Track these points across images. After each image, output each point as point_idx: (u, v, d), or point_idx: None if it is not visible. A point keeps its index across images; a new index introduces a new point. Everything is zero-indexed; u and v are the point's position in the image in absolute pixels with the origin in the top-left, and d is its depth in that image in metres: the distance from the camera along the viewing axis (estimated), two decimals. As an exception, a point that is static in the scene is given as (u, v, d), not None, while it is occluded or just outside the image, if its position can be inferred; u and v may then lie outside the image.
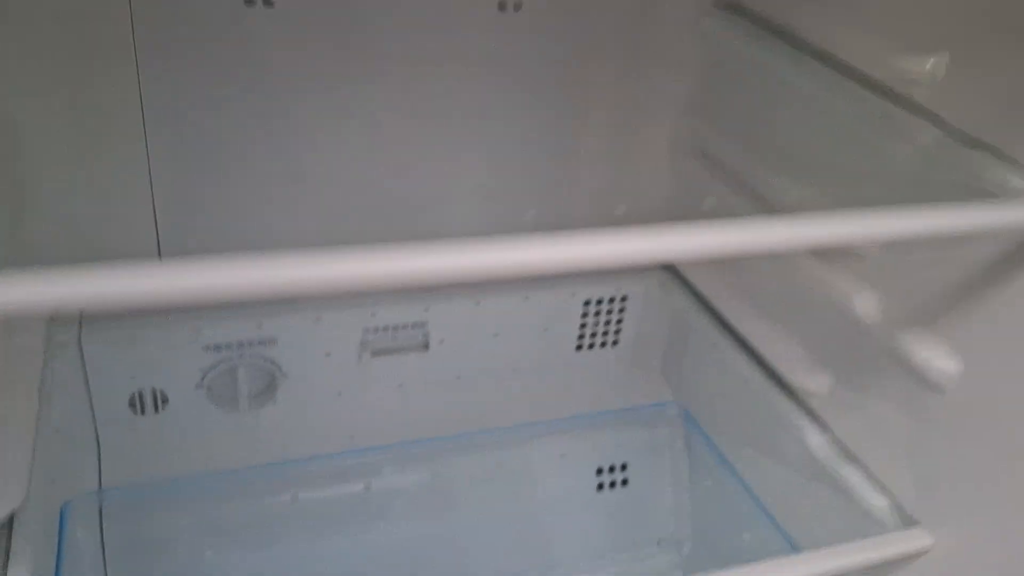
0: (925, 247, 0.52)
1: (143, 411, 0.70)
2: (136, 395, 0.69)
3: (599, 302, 0.80)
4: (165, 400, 0.70)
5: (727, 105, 0.72)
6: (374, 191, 0.69)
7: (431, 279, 0.33)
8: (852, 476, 0.60)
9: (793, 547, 0.66)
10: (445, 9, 0.65)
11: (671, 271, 0.81)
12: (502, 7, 0.67)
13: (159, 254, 0.70)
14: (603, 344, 0.83)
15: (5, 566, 0.49)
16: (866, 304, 0.57)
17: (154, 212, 0.66)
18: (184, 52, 0.60)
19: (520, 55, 0.68)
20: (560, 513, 0.81)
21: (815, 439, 0.63)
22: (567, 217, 0.77)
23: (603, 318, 0.82)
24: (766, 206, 0.67)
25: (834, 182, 0.61)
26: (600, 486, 0.81)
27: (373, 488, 0.73)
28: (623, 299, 0.81)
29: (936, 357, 0.52)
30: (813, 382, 0.64)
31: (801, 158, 0.64)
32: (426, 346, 0.76)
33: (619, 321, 0.82)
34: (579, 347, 0.82)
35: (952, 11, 0.51)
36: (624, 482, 0.82)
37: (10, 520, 0.51)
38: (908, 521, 0.56)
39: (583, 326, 0.81)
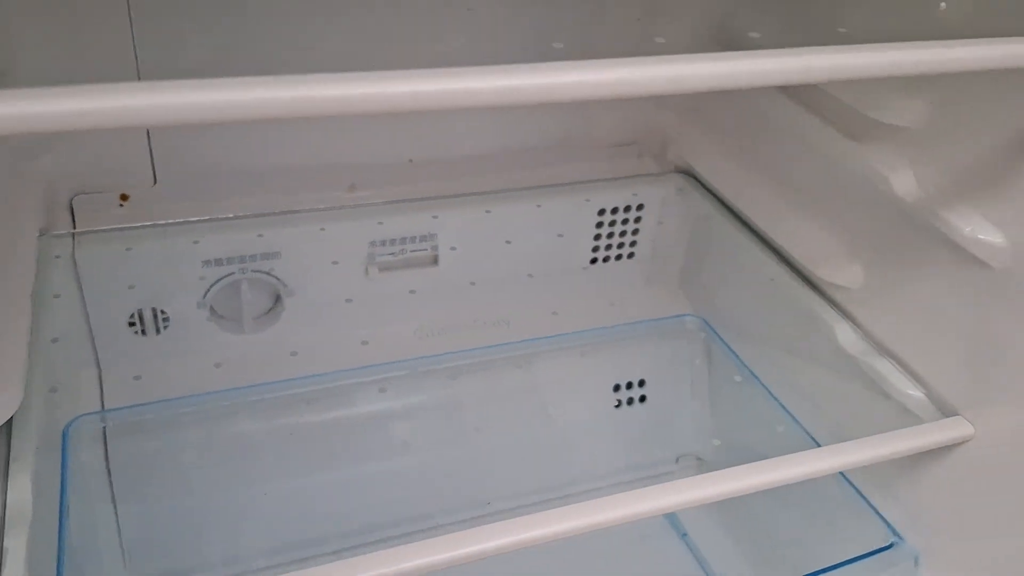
0: (960, 115, 0.48)
1: (144, 332, 0.67)
2: (136, 315, 0.66)
3: (614, 211, 0.77)
4: (166, 319, 0.67)
5: None
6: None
7: (429, 103, 0.29)
8: (886, 370, 0.57)
9: (823, 449, 0.64)
10: None
11: (688, 176, 0.78)
12: None
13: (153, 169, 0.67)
14: (619, 256, 0.80)
15: (6, 475, 0.47)
16: (904, 181, 0.53)
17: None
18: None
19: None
20: (578, 430, 0.79)
21: (846, 335, 0.60)
22: (571, 128, 0.74)
23: (619, 228, 0.78)
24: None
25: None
26: (619, 403, 0.79)
27: (384, 405, 0.71)
28: (639, 207, 0.78)
29: (981, 230, 0.49)
30: (844, 275, 0.61)
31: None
32: (435, 260, 0.73)
33: (635, 232, 0.79)
34: (594, 260, 0.79)
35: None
36: (643, 399, 0.79)
37: (8, 428, 0.49)
38: (948, 411, 0.53)
39: (598, 236, 0.78)
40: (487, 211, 0.72)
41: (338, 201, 0.70)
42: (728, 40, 0.70)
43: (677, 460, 0.81)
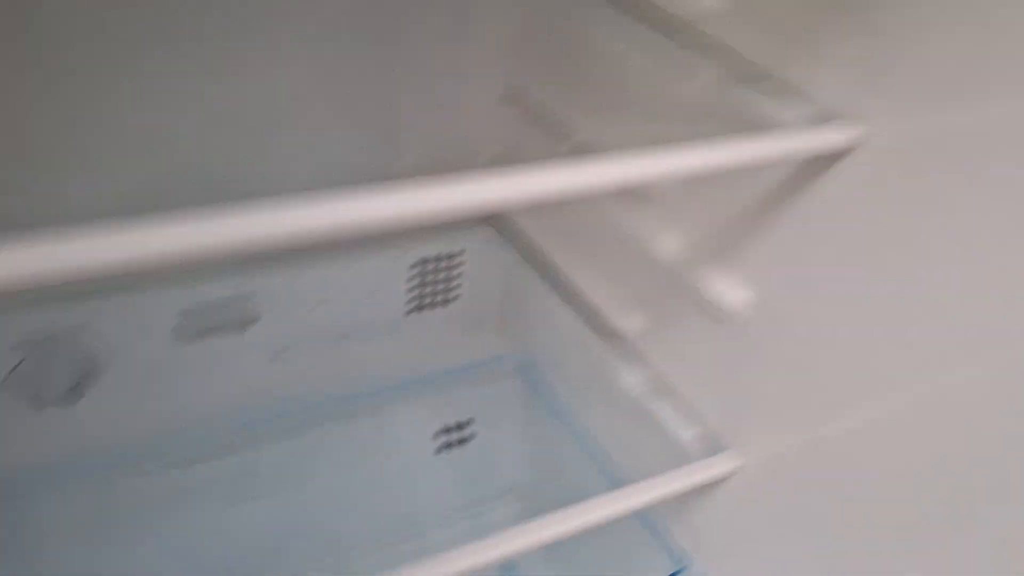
0: (713, 185, 0.54)
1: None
2: (-69, 400, 0.64)
3: (427, 261, 0.80)
4: (-34, 402, 0.65)
5: (544, 52, 0.72)
6: (197, 149, 0.66)
7: (248, 244, 0.31)
8: (664, 410, 0.62)
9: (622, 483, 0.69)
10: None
11: (501, 224, 0.82)
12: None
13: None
14: (437, 303, 0.83)
15: None
16: (665, 244, 0.59)
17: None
18: None
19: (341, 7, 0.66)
20: (408, 476, 0.82)
21: (633, 378, 0.65)
22: (394, 166, 0.76)
23: (433, 276, 0.81)
24: (585, 149, 0.68)
25: (639, 123, 0.62)
26: (447, 444, 0.82)
27: (203, 479, 0.71)
28: (451, 256, 0.81)
29: (729, 288, 0.55)
30: (630, 322, 0.66)
31: (608, 101, 0.65)
32: (250, 321, 0.73)
33: (451, 279, 0.82)
34: (413, 309, 0.82)
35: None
36: (467, 439, 0.83)
37: None
38: (721, 446, 0.59)
39: (414, 287, 0.81)
40: (300, 272, 0.73)
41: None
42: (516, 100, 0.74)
43: (502, 495, 0.85)
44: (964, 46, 0.40)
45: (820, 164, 0.47)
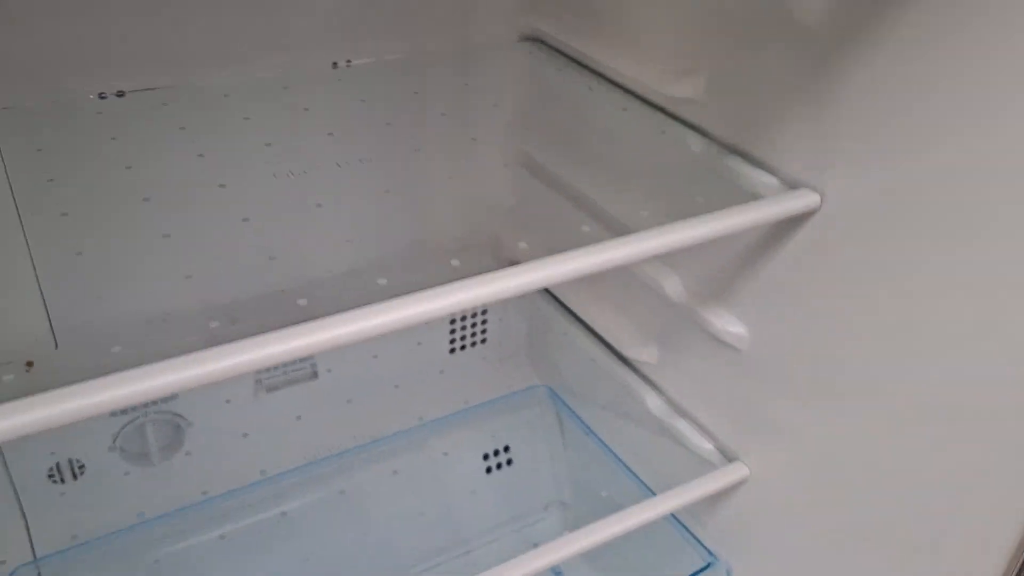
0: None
1: (63, 480, 0.76)
2: (54, 467, 0.75)
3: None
4: (82, 467, 0.76)
5: (547, 125, 0.83)
6: (241, 248, 0.77)
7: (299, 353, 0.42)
8: (684, 428, 0.73)
9: (651, 492, 0.79)
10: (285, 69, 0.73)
11: (521, 272, 0.92)
12: (335, 65, 0.76)
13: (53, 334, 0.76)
14: (473, 344, 0.94)
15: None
16: (673, 286, 0.69)
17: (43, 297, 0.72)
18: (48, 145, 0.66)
19: (356, 105, 0.77)
20: (459, 498, 0.92)
21: (652, 401, 0.76)
22: (422, 236, 0.87)
23: (469, 321, 0.92)
24: (591, 208, 0.78)
25: (638, 186, 0.73)
26: (488, 469, 0.93)
27: (288, 512, 0.82)
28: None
29: (729, 324, 0.65)
30: (644, 353, 0.76)
31: (610, 166, 0.76)
32: (315, 375, 0.84)
33: (484, 322, 0.93)
34: (452, 350, 0.93)
35: (706, 45, 0.63)
36: (509, 462, 0.93)
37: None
38: (732, 457, 0.70)
39: (452, 331, 0.91)
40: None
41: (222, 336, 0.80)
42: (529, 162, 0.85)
43: (546, 508, 0.95)
44: (896, 132, 0.50)
45: (789, 224, 0.57)
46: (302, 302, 0.78)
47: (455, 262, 0.82)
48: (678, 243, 0.52)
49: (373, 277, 0.80)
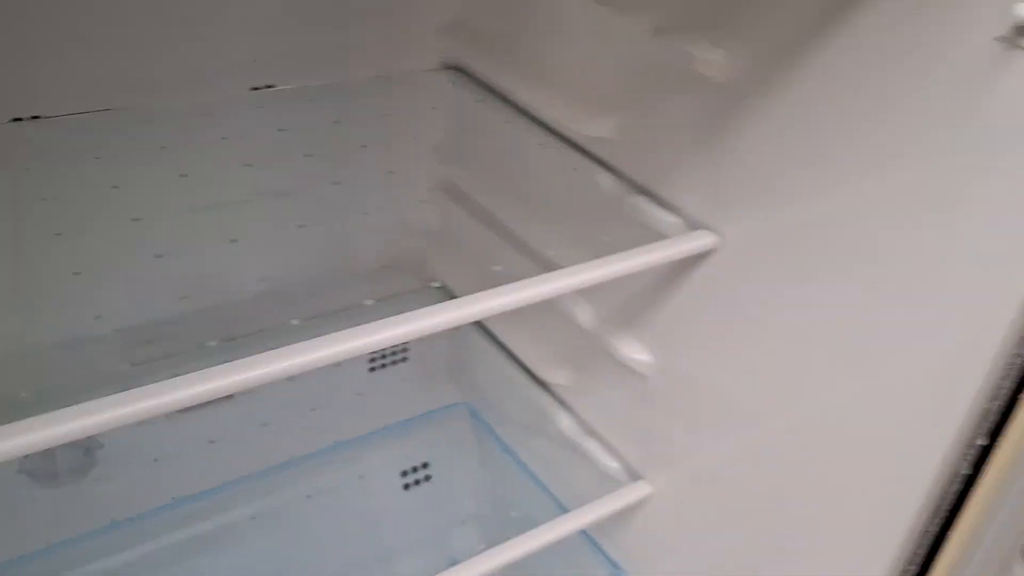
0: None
1: (-30, 504, 0.75)
2: (-41, 490, 0.74)
3: (383, 329, 0.92)
4: (-14, 489, 0.75)
5: (469, 153, 0.85)
6: (155, 285, 0.77)
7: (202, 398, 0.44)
8: (593, 448, 0.76)
9: (564, 508, 0.82)
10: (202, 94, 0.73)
11: (444, 294, 0.94)
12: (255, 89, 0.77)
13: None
14: (393, 363, 0.95)
15: None
16: (585, 315, 0.72)
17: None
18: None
19: (275, 134, 0.78)
20: (377, 515, 0.94)
21: (565, 422, 0.79)
22: (344, 263, 0.89)
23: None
24: (511, 237, 0.81)
25: (554, 218, 0.76)
26: (407, 486, 0.94)
27: (200, 535, 0.82)
28: (403, 323, 0.93)
29: (635, 352, 0.68)
30: (559, 376, 0.79)
31: (527, 198, 0.79)
32: (230, 396, 0.84)
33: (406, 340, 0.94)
34: (372, 369, 0.94)
35: (619, 88, 0.66)
36: (427, 478, 0.95)
37: None
38: (636, 476, 0.73)
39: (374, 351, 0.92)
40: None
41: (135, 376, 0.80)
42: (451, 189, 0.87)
43: (463, 523, 0.98)
44: (783, 182, 0.54)
45: (690, 260, 0.61)
46: (212, 343, 0.78)
47: (368, 302, 0.84)
48: (579, 284, 0.56)
49: (293, 309, 0.81)
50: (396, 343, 0.50)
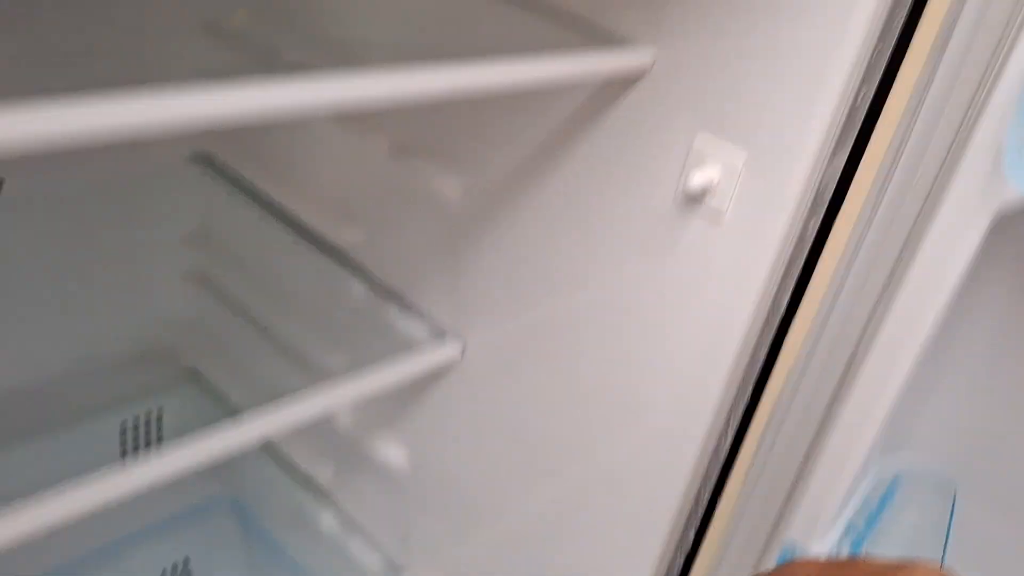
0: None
1: None
2: None
3: (136, 424, 0.88)
4: None
5: (222, 246, 0.84)
6: None
7: None
8: (355, 542, 0.77)
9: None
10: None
11: (199, 382, 0.91)
12: None
13: None
14: (148, 449, 0.91)
15: None
16: (344, 414, 0.73)
17: None
18: None
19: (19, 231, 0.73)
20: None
21: (327, 518, 0.79)
22: (96, 354, 0.84)
23: (143, 422, 0.89)
24: (267, 332, 0.80)
25: (307, 319, 0.76)
26: (171, 584, 0.90)
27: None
28: (151, 413, 0.89)
29: (393, 450, 0.70)
30: (319, 472, 0.79)
31: (278, 294, 0.78)
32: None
33: (160, 423, 0.91)
34: (123, 453, 0.89)
35: (366, 197, 0.68)
36: (189, 573, 0.92)
37: None
38: (398, 571, 0.75)
39: (123, 435, 0.88)
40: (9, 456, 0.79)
41: None
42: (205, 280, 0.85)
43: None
44: (512, 297, 0.58)
45: (439, 367, 0.64)
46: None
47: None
48: (324, 408, 0.56)
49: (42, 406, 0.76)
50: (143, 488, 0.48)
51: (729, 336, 0.48)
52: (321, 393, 0.56)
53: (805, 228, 0.46)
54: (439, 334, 0.64)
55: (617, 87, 0.49)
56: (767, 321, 0.49)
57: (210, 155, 0.82)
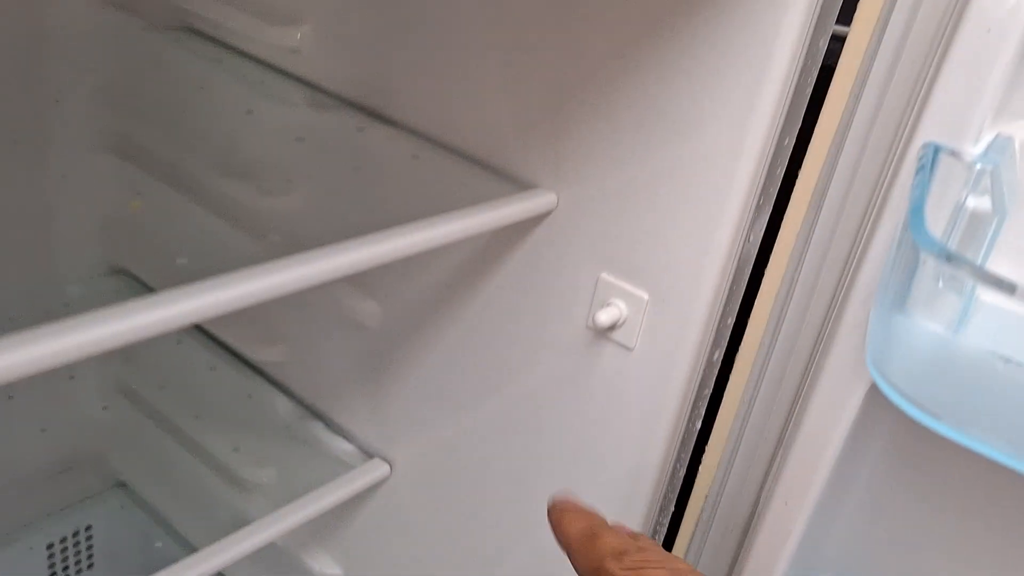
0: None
1: None
2: None
3: (63, 540, 0.86)
4: None
5: (144, 362, 0.83)
6: None
7: None
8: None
9: None
10: None
11: (127, 491, 0.90)
12: None
13: None
14: (78, 570, 0.89)
15: None
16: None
17: None
18: None
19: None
20: None
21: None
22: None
23: (71, 543, 0.87)
24: (193, 446, 0.79)
25: (228, 436, 0.75)
26: None
27: None
28: (79, 531, 0.87)
29: (326, 567, 0.70)
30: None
31: (199, 414, 0.77)
32: None
33: (89, 543, 0.88)
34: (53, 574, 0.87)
35: (284, 316, 0.68)
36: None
37: None
38: None
39: (51, 556, 0.85)
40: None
41: None
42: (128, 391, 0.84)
43: None
44: (434, 412, 0.59)
45: (369, 486, 0.64)
46: None
47: None
48: (263, 540, 0.57)
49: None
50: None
51: (650, 458, 0.50)
52: (261, 529, 0.56)
53: (711, 358, 0.49)
54: (367, 455, 0.64)
55: (528, 223, 0.51)
56: (683, 444, 0.51)
57: (127, 269, 0.81)
